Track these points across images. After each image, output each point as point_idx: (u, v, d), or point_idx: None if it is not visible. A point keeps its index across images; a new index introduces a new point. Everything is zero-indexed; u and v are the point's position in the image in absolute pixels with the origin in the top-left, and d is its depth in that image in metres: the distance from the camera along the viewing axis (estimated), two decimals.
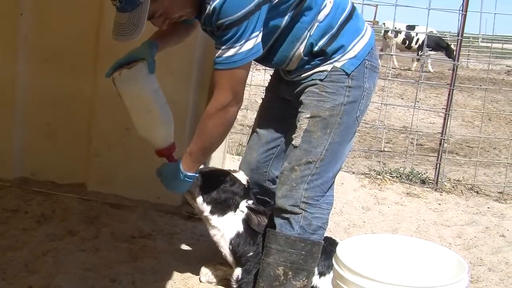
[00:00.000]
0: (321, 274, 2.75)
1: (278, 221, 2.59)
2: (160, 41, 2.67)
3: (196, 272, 3.08)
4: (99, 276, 2.98)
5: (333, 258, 2.26)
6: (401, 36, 18.12)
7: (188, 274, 3.09)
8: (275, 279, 2.55)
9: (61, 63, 3.89)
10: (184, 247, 3.46)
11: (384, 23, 17.62)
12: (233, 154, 5.60)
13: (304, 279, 2.56)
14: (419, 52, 17.02)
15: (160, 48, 2.68)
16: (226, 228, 2.83)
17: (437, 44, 17.20)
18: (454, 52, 6.69)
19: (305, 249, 2.53)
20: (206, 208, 2.80)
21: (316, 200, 2.55)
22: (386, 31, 17.20)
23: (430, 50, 16.69)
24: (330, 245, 2.74)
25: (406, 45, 18.24)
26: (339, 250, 2.25)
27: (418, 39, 17.83)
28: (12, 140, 4.03)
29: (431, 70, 16.87)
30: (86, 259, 3.14)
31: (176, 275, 3.08)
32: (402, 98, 11.48)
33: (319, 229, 2.57)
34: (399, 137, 8.04)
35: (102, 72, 3.66)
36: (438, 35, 11.97)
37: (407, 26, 17.60)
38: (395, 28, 15.38)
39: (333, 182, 2.64)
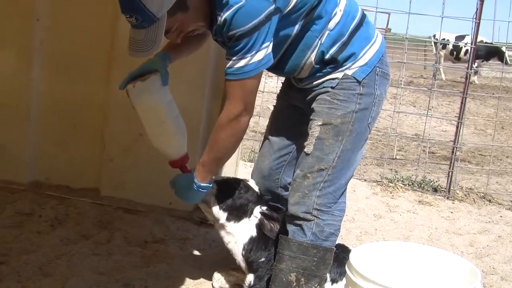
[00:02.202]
0: (333, 281, 2.75)
1: (290, 227, 2.60)
2: (173, 52, 2.68)
3: (209, 278, 3.10)
4: (112, 280, 3.00)
5: (346, 265, 2.27)
6: (449, 47, 17.80)
7: (201, 280, 3.11)
8: (287, 285, 2.56)
9: (75, 69, 3.93)
10: (197, 252, 3.48)
11: (434, 35, 17.33)
12: (245, 161, 5.61)
13: (316, 286, 2.57)
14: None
15: (173, 59, 2.69)
16: (240, 234, 2.85)
17: (488, 52, 16.73)
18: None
19: (318, 256, 2.54)
20: (222, 216, 2.83)
21: (328, 207, 2.56)
22: (435, 43, 16.97)
23: (482, 61, 16.46)
24: (342, 252, 2.75)
25: (454, 56, 17.89)
26: (352, 257, 2.26)
27: (467, 50, 17.24)
28: (26, 144, 4.07)
29: (443, 78, 16.80)
30: (99, 263, 3.16)
31: (188, 280, 3.10)
32: (414, 106, 11.46)
33: (332, 235, 2.58)
34: (411, 144, 8.03)
35: (116, 78, 3.72)
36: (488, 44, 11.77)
37: (456, 36, 17.18)
38: (444, 39, 15.20)
39: (345, 189, 2.65)
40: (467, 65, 5.69)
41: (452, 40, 16.75)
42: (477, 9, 5.26)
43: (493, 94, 11.05)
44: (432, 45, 18.05)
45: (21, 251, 3.19)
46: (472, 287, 2.15)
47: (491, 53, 16.70)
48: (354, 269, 2.18)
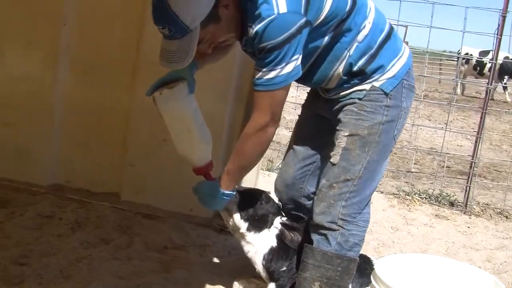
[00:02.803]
0: None
1: (315, 237, 2.61)
2: (199, 60, 2.68)
3: (228, 285, 3.10)
4: (132, 285, 3.01)
5: (371, 276, 2.28)
6: (473, 62, 17.59)
7: (220, 287, 3.11)
8: None
9: (100, 73, 3.96)
10: (216, 259, 3.48)
11: (458, 50, 17.25)
12: (263, 170, 5.63)
13: None
14: (502, 80, 16.59)
15: (199, 67, 2.71)
16: (260, 244, 2.86)
17: None
18: None
19: (342, 266, 2.55)
20: (243, 225, 2.84)
21: (353, 217, 2.56)
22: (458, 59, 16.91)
23: (509, 77, 16.33)
24: (364, 263, 2.76)
25: (478, 71, 17.65)
26: (378, 268, 2.27)
27: (491, 66, 17.30)
28: (48, 147, 4.10)
29: (459, 93, 16.73)
30: (119, 267, 3.17)
31: (208, 287, 3.10)
32: (429, 120, 11.44)
33: (356, 246, 2.59)
34: (426, 158, 8.01)
35: (140, 84, 3.75)
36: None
37: (480, 51, 17.05)
38: (467, 53, 15.16)
39: (370, 199, 2.66)
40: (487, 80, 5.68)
41: (476, 55, 16.63)
42: (498, 25, 5.26)
43: (509, 110, 11.00)
44: (451, 60, 17.88)
45: (42, 253, 3.21)
46: None
47: None
48: (380, 280, 2.18)
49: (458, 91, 16.61)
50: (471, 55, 16.15)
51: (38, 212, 3.74)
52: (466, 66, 17.44)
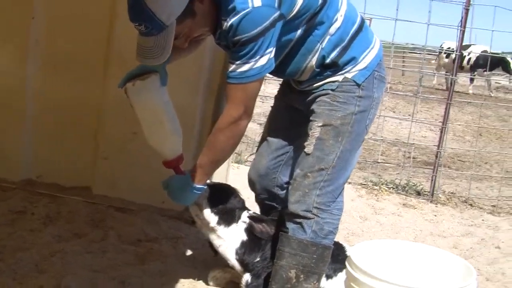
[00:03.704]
0: (328, 277, 2.81)
1: (290, 225, 2.65)
2: (172, 54, 2.72)
3: (203, 276, 3.13)
4: (108, 278, 3.02)
5: (346, 261, 2.34)
6: (453, 56, 17.46)
7: (196, 277, 3.14)
8: (287, 281, 2.61)
9: (71, 67, 3.92)
10: (190, 251, 3.51)
11: (441, 45, 17.25)
12: (232, 163, 5.65)
13: (315, 282, 2.62)
14: (473, 73, 16.77)
15: (171, 60, 2.70)
16: (231, 238, 2.90)
17: (491, 62, 15.97)
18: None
19: (317, 253, 2.60)
20: (213, 219, 2.87)
21: (327, 206, 2.62)
22: (439, 52, 17.06)
23: (484, 71, 16.41)
24: (336, 249, 2.81)
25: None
26: (352, 253, 2.33)
27: (470, 59, 17.28)
28: (19, 142, 4.06)
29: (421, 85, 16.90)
30: (93, 261, 3.17)
31: (184, 278, 3.12)
32: (394, 112, 11.59)
33: (330, 234, 2.64)
34: (392, 149, 8.13)
35: (111, 77, 3.75)
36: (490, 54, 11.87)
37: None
38: (449, 48, 15.34)
39: (343, 188, 2.71)
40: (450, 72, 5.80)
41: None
42: (462, 17, 5.38)
43: (471, 101, 11.22)
44: (413, 52, 17.99)
45: (15, 248, 3.19)
46: (467, 283, 2.22)
47: (495, 63, 16.53)
48: (355, 264, 2.24)
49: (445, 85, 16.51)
50: (453, 49, 16.24)
51: (10, 207, 3.71)
52: (447, 60, 17.53)
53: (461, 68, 17.05)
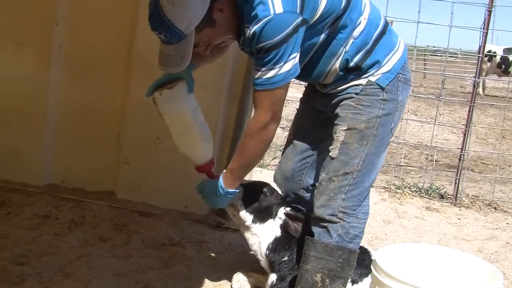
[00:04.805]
0: (354, 282, 2.80)
1: (316, 229, 2.65)
2: (197, 60, 2.71)
3: (227, 279, 3.14)
4: (132, 281, 3.04)
5: (372, 265, 2.32)
6: (497, 60, 16.89)
7: (220, 281, 3.15)
8: (313, 285, 2.60)
9: (93, 73, 3.96)
10: (214, 255, 3.52)
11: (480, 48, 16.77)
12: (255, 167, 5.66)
13: (340, 286, 2.61)
14: None
15: (197, 66, 2.75)
16: (265, 234, 2.92)
17: None
18: None
19: (343, 257, 2.59)
20: (248, 218, 2.90)
21: (353, 210, 2.61)
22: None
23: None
24: (362, 254, 2.80)
25: (502, 69, 16.89)
26: (378, 257, 2.31)
27: None
28: (43, 147, 4.10)
29: (481, 92, 16.23)
30: (118, 264, 3.20)
31: (207, 282, 3.14)
32: (415, 114, 11.52)
33: (356, 238, 2.63)
34: (414, 152, 8.08)
35: (133, 82, 3.78)
36: None
37: (504, 49, 16.67)
38: (490, 51, 14.82)
39: (369, 192, 2.70)
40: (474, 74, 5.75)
41: (499, 52, 16.20)
42: (485, 19, 5.32)
43: (493, 104, 11.12)
44: (435, 55, 17.73)
45: (40, 252, 3.23)
46: (495, 287, 2.20)
47: None
48: (381, 269, 2.23)
49: (480, 90, 15.70)
50: (495, 52, 15.85)
51: (34, 212, 3.75)
52: (488, 64, 16.85)
53: (505, 73, 16.38)
